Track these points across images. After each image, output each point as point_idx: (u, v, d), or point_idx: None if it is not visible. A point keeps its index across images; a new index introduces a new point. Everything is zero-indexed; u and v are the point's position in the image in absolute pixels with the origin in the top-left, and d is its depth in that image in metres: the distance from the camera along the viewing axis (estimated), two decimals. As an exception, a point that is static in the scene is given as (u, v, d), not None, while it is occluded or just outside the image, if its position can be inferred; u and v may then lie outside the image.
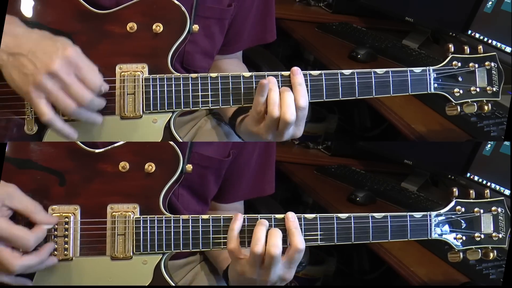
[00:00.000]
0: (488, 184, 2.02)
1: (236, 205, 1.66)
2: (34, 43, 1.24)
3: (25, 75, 1.24)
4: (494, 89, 1.44)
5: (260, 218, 1.34)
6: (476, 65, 1.44)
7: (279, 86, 1.36)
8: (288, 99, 1.35)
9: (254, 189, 1.65)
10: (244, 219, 1.34)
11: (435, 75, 1.43)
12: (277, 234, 1.32)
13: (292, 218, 1.34)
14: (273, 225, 1.34)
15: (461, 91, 1.44)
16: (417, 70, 1.42)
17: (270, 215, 1.35)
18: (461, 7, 2.11)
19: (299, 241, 1.32)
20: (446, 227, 1.39)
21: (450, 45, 1.44)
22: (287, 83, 1.37)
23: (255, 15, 1.66)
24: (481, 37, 2.06)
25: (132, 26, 1.36)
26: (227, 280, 1.44)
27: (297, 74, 1.36)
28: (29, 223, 1.28)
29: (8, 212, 1.26)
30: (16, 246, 1.24)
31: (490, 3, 2.03)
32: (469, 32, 2.08)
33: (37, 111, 1.26)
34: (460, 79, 1.44)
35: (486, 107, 1.45)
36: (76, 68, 1.25)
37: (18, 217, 1.28)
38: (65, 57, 1.23)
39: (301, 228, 1.34)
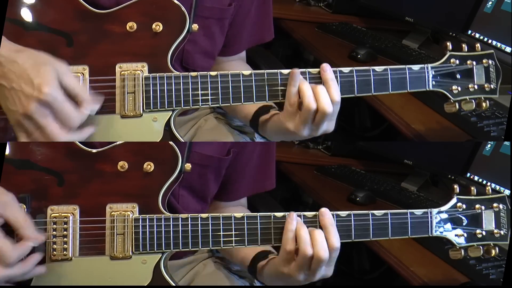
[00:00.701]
0: (488, 184, 2.02)
1: (241, 202, 1.66)
2: (15, 77, 1.24)
3: (9, 109, 1.26)
4: (492, 86, 1.45)
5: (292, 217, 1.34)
6: (474, 63, 1.45)
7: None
8: (323, 91, 1.36)
9: (256, 185, 1.65)
10: (299, 216, 1.34)
11: (433, 73, 1.43)
12: (322, 236, 1.32)
13: (328, 214, 1.34)
14: (272, 223, 1.35)
15: (459, 88, 1.44)
16: (416, 67, 1.43)
17: (270, 213, 1.35)
18: (461, 7, 2.11)
19: (337, 240, 1.33)
20: (448, 224, 1.39)
21: (448, 43, 1.45)
22: (315, 79, 1.38)
23: (255, 15, 1.67)
24: (481, 37, 2.06)
25: (132, 25, 1.36)
26: (255, 275, 1.44)
27: (328, 70, 1.38)
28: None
29: (0, 220, 1.26)
30: None
31: (490, 3, 2.04)
32: (469, 32, 2.08)
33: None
34: (458, 76, 1.44)
35: (484, 104, 1.45)
36: (51, 109, 1.24)
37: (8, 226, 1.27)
38: (40, 100, 1.23)
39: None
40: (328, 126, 1.40)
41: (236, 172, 1.58)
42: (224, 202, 1.62)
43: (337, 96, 1.37)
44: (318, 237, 1.32)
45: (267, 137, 1.53)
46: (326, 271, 1.36)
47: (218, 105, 1.38)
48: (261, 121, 1.51)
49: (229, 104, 1.38)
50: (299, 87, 1.37)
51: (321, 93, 1.36)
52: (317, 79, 1.39)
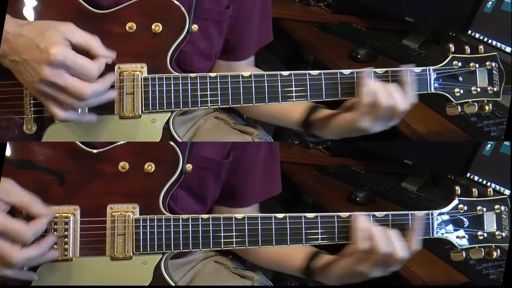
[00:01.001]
0: (488, 184, 2.02)
1: (254, 208, 1.65)
2: (23, 48, 1.25)
3: (27, 82, 1.27)
4: (495, 89, 1.44)
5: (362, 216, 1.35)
6: (477, 65, 1.44)
7: None
8: (398, 90, 1.38)
9: (265, 191, 1.64)
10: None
11: (435, 75, 1.43)
12: (397, 234, 1.34)
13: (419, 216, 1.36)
14: (273, 224, 1.35)
15: (461, 91, 1.44)
16: (417, 70, 1.42)
17: (271, 214, 1.35)
18: (461, 7, 2.11)
19: (417, 242, 1.35)
20: (449, 226, 1.39)
21: (450, 45, 1.44)
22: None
23: (258, 18, 1.67)
24: (481, 37, 2.06)
25: (131, 26, 1.36)
26: (312, 277, 1.45)
27: (407, 74, 1.40)
28: (29, 217, 1.28)
29: (4, 206, 1.26)
30: (14, 239, 1.24)
31: (490, 3, 2.04)
32: (469, 32, 2.08)
33: (50, 112, 1.30)
34: (460, 79, 1.44)
35: (487, 107, 1.44)
36: (65, 67, 1.25)
37: (17, 212, 1.28)
38: (50, 61, 1.23)
39: (301, 227, 1.35)
40: (398, 120, 1.42)
41: (242, 175, 1.57)
42: (239, 209, 1.61)
43: (411, 94, 1.39)
44: (392, 236, 1.34)
45: (322, 135, 1.53)
46: (398, 266, 1.38)
47: (217, 106, 1.38)
48: (316, 120, 1.51)
49: (228, 106, 1.38)
50: (374, 87, 1.38)
51: (396, 92, 1.38)
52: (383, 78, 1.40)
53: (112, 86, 1.33)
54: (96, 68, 1.28)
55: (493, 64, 1.44)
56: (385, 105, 1.37)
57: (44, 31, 1.26)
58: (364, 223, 1.35)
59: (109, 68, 1.34)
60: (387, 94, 1.37)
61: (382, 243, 1.33)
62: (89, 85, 1.27)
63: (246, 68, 1.70)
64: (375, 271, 1.35)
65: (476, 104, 1.44)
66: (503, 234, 1.39)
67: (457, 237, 1.39)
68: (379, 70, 1.40)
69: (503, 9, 2.01)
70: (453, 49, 1.44)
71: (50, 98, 1.27)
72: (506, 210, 1.40)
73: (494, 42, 2.02)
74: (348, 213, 1.37)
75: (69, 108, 1.29)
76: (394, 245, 1.33)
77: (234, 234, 1.34)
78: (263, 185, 1.62)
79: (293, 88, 1.38)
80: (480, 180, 2.05)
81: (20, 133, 1.35)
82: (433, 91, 1.43)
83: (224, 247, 1.34)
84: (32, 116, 1.35)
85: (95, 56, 1.29)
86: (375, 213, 1.37)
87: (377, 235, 1.33)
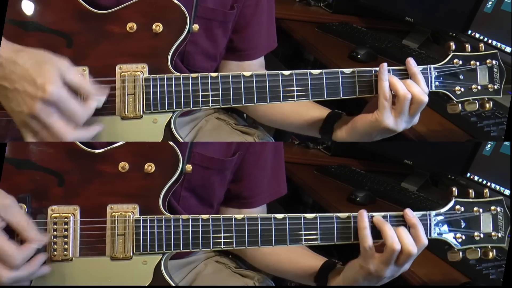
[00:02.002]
0: (488, 184, 2.02)
1: (262, 208, 1.65)
2: (17, 78, 1.23)
3: (13, 111, 1.25)
4: (496, 86, 1.44)
5: (375, 217, 1.36)
6: (478, 63, 1.44)
7: None
8: (413, 83, 1.38)
9: (273, 192, 1.65)
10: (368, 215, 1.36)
11: (436, 73, 1.43)
12: (408, 233, 1.34)
13: (412, 214, 1.36)
14: (273, 225, 1.34)
15: (462, 89, 1.44)
16: (419, 68, 1.42)
17: (270, 215, 1.35)
18: (461, 7, 2.11)
19: (425, 237, 1.35)
20: (446, 227, 1.40)
21: (451, 43, 1.44)
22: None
23: (265, 20, 1.67)
24: (481, 37, 2.06)
25: (132, 26, 1.36)
26: (326, 281, 1.45)
27: (413, 64, 1.41)
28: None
29: (1, 223, 1.25)
30: (2, 262, 1.23)
31: (490, 3, 2.04)
32: (469, 32, 2.08)
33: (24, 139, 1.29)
34: (461, 77, 1.44)
35: (487, 105, 1.44)
36: (56, 107, 1.24)
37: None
38: (45, 99, 1.23)
39: (300, 228, 1.35)
40: (418, 117, 1.43)
41: (249, 175, 1.58)
42: (245, 210, 1.61)
43: (426, 87, 1.40)
44: (403, 232, 1.34)
45: (344, 140, 1.52)
46: (407, 267, 1.38)
47: (218, 106, 1.38)
48: (337, 126, 1.51)
49: (230, 106, 1.38)
50: (390, 81, 1.38)
51: (412, 84, 1.38)
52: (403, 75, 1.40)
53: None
54: (85, 115, 1.27)
55: (494, 62, 1.45)
56: (403, 98, 1.37)
57: (41, 64, 1.24)
58: (363, 222, 1.35)
59: (109, 68, 1.34)
60: (404, 88, 1.37)
61: (390, 240, 1.33)
62: (72, 132, 1.26)
63: (257, 69, 1.69)
64: (388, 269, 1.35)
65: (476, 102, 1.44)
66: (499, 235, 1.40)
67: (454, 237, 1.40)
68: (396, 68, 1.40)
69: (503, 9, 2.01)
70: (453, 47, 1.44)
71: (30, 131, 1.26)
72: (502, 211, 1.41)
73: (494, 42, 2.02)
74: (347, 214, 1.37)
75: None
76: (403, 241, 1.33)
77: (234, 234, 1.34)
78: (271, 185, 1.62)
79: (295, 88, 1.39)
80: (480, 180, 2.05)
81: (20, 134, 1.35)
82: (434, 89, 1.43)
83: (223, 247, 1.34)
84: None
85: (85, 98, 1.28)
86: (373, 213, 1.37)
87: (385, 232, 1.33)
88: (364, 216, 1.35)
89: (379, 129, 1.42)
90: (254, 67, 1.69)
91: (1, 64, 1.24)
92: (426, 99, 1.38)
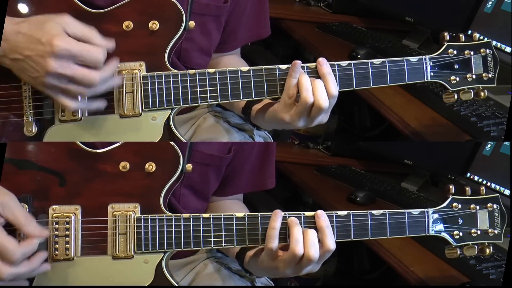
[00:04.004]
0: (488, 184, 2.02)
1: (236, 197, 1.66)
2: (24, 45, 1.24)
3: (32, 78, 1.26)
4: (490, 75, 1.45)
5: (289, 217, 1.34)
6: (472, 52, 1.45)
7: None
8: (320, 86, 1.36)
9: (255, 183, 1.65)
10: (284, 216, 1.34)
11: (431, 64, 1.44)
12: (314, 236, 1.33)
13: (323, 216, 1.35)
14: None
15: (457, 79, 1.45)
16: (414, 59, 1.43)
17: (270, 213, 1.35)
18: (461, 7, 2.11)
19: (332, 242, 1.33)
20: (443, 224, 1.41)
21: (445, 33, 1.45)
22: (313, 74, 1.38)
23: (250, 11, 1.67)
24: (481, 37, 2.05)
25: (128, 24, 1.36)
26: (242, 262, 1.44)
27: (324, 64, 1.38)
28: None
29: (1, 220, 1.25)
30: (2, 257, 1.23)
31: (490, 3, 2.04)
32: (469, 32, 2.08)
33: (61, 105, 1.30)
34: (456, 66, 1.45)
35: (482, 94, 1.45)
36: (70, 57, 1.25)
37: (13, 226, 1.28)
38: (55, 53, 1.23)
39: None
40: (323, 118, 1.40)
41: (234, 168, 1.58)
42: (220, 197, 1.63)
43: (335, 90, 1.37)
44: (319, 86, 1.35)
45: (259, 125, 1.52)
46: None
47: (217, 102, 1.38)
48: (254, 110, 1.50)
49: (228, 101, 1.38)
50: (299, 80, 1.37)
51: (318, 88, 1.36)
52: (315, 73, 1.39)
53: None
54: (102, 53, 1.28)
55: (488, 51, 1.46)
56: (304, 102, 1.35)
57: (42, 24, 1.25)
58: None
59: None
60: (308, 91, 1.35)
61: (293, 243, 1.32)
62: (96, 72, 1.27)
63: (231, 58, 1.70)
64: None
65: (472, 91, 1.45)
66: (496, 232, 1.42)
67: (451, 234, 1.41)
68: (311, 65, 1.39)
69: (503, 9, 2.01)
70: (448, 38, 1.45)
71: (58, 90, 1.27)
72: (498, 208, 1.43)
73: (494, 42, 2.02)
74: (346, 212, 1.37)
75: (78, 97, 1.29)
76: (306, 245, 1.32)
77: (235, 233, 1.34)
78: (254, 177, 1.63)
79: None
80: (480, 180, 2.05)
81: (21, 135, 1.35)
82: (429, 79, 1.44)
83: (224, 245, 1.34)
84: (32, 118, 1.34)
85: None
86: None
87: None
88: (277, 216, 1.34)
89: (278, 120, 1.41)
90: (229, 58, 1.70)
91: (7, 39, 1.25)
92: (326, 105, 1.36)
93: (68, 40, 1.25)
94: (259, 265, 1.39)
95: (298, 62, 1.37)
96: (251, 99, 1.39)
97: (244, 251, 1.44)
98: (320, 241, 1.33)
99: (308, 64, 1.39)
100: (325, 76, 1.37)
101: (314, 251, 1.32)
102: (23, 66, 1.26)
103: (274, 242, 1.33)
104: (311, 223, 1.35)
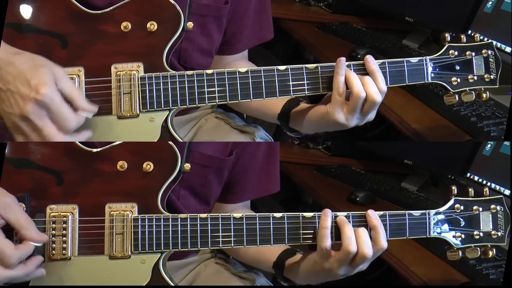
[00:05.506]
0: (488, 184, 2.02)
1: (245, 203, 1.65)
2: (12, 79, 1.23)
3: (5, 112, 1.25)
4: (492, 76, 1.44)
5: (339, 216, 1.35)
6: (473, 53, 1.44)
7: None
8: (370, 81, 1.37)
9: (260, 188, 1.65)
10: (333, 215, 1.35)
11: (432, 65, 1.43)
12: (367, 234, 1.33)
13: (374, 216, 1.35)
14: (271, 224, 1.34)
15: (458, 80, 1.44)
16: (414, 60, 1.42)
17: (269, 214, 1.35)
18: (461, 7, 2.11)
19: (384, 241, 1.34)
20: (445, 225, 1.39)
21: (446, 34, 1.44)
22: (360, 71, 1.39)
23: (253, 13, 1.66)
24: (481, 37, 2.06)
25: (126, 25, 1.36)
26: (281, 271, 1.44)
27: (372, 61, 1.39)
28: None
29: (1, 221, 1.25)
30: None
31: (490, 3, 2.04)
32: (469, 32, 2.08)
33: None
34: (457, 67, 1.44)
35: (484, 95, 1.44)
36: (48, 110, 1.23)
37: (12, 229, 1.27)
38: (37, 100, 1.22)
39: (299, 227, 1.35)
40: (373, 115, 1.41)
41: (239, 173, 1.58)
42: (229, 204, 1.62)
43: (384, 86, 1.38)
44: (368, 81, 1.36)
45: (300, 130, 1.52)
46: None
47: (215, 103, 1.38)
48: (294, 114, 1.50)
49: (226, 102, 1.37)
50: (347, 77, 1.37)
51: (368, 83, 1.37)
52: (361, 71, 1.39)
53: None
54: (75, 122, 1.27)
55: (489, 52, 1.45)
56: (357, 96, 1.36)
57: (37, 67, 1.24)
58: (326, 222, 1.34)
59: (105, 68, 1.33)
60: (359, 85, 1.36)
61: (346, 241, 1.32)
62: (62, 136, 1.26)
63: (240, 62, 1.70)
64: (341, 269, 1.34)
65: (473, 92, 1.44)
66: (499, 234, 1.40)
67: (453, 236, 1.39)
68: (357, 63, 1.40)
69: (503, 9, 2.01)
70: (449, 39, 1.44)
71: (20, 133, 1.25)
72: (502, 209, 1.41)
73: (494, 42, 2.02)
74: (345, 213, 1.36)
75: None
76: (359, 243, 1.32)
77: (232, 233, 1.34)
78: (260, 182, 1.62)
79: (290, 83, 1.39)
80: (480, 180, 2.05)
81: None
82: (430, 81, 1.43)
83: (222, 246, 1.34)
84: None
85: (76, 108, 1.27)
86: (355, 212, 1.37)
87: (343, 233, 1.33)
88: (327, 216, 1.34)
89: (330, 122, 1.41)
90: (237, 60, 1.69)
91: None
92: (379, 99, 1.37)
93: (54, 93, 1.23)
94: (308, 270, 1.39)
95: (343, 58, 1.38)
96: (249, 100, 1.38)
97: (283, 260, 1.44)
98: (373, 240, 1.33)
99: (353, 62, 1.40)
100: (374, 72, 1.38)
101: (368, 248, 1.32)
102: (1, 96, 1.24)
103: (327, 241, 1.33)
104: (359, 222, 1.35)
